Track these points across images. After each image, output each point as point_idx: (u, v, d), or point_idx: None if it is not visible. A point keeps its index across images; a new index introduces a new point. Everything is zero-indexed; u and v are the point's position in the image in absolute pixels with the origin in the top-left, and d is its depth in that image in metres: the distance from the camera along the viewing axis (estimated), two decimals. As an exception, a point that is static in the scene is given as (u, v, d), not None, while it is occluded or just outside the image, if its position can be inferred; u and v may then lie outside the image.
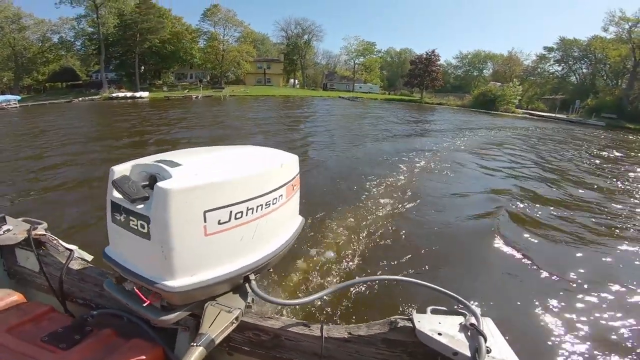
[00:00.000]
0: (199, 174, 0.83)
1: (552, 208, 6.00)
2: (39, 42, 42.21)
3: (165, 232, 0.79)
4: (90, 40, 43.71)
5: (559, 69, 49.84)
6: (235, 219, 0.88)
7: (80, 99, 34.42)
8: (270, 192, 0.97)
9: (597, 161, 11.88)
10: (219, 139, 12.46)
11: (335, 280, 3.35)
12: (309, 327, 1.04)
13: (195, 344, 0.82)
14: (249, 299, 1.04)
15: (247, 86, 48.76)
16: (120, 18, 41.13)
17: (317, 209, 4.97)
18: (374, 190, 6.34)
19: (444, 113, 31.24)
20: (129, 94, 35.82)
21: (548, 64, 51.32)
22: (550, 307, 3.10)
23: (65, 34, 43.87)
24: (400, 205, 5.62)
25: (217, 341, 0.87)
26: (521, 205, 5.97)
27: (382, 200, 5.76)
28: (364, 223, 4.77)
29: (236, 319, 0.95)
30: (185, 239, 0.81)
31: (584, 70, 47.06)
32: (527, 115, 35.04)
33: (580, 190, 7.40)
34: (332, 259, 3.81)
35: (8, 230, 1.38)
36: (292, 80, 62.34)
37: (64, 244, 1.42)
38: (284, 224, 1.11)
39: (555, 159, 11.61)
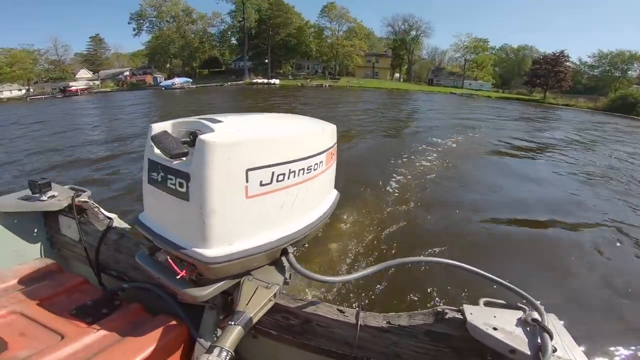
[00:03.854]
0: (242, 130, 0.82)
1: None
2: (197, 34, 54.92)
3: (206, 192, 0.75)
4: (235, 33, 55.60)
5: None
6: (277, 181, 0.85)
7: (229, 83, 45.31)
8: (312, 156, 0.94)
9: None
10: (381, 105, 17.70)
11: (370, 261, 3.22)
12: (344, 313, 0.99)
13: (232, 323, 0.80)
14: (287, 274, 1.01)
15: (358, 78, 54.82)
16: (258, 14, 51.45)
17: (349, 182, 5.15)
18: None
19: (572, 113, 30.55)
20: (265, 81, 45.43)
21: None
22: (626, 309, 2.85)
23: (216, 28, 56.67)
24: (459, 186, 5.70)
25: (255, 320, 0.85)
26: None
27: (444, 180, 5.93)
28: (413, 200, 4.79)
29: (274, 296, 0.92)
30: (226, 201, 0.77)
31: None
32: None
33: None
34: (368, 236, 3.69)
35: (53, 196, 1.43)
36: (396, 75, 66.58)
37: (104, 212, 1.49)
38: (322, 194, 1.09)
39: None
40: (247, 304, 0.86)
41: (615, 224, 4.73)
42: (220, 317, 0.98)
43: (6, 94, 42.69)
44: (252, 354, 1.15)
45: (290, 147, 0.88)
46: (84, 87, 44.01)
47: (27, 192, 1.44)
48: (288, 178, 0.88)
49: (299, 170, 0.90)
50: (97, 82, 48.80)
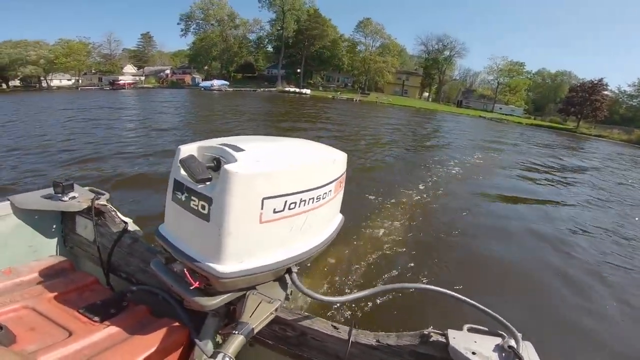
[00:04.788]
0: (261, 161, 0.90)
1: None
2: (238, 39, 57.63)
3: (225, 215, 0.84)
4: (272, 40, 58.23)
5: None
6: (289, 209, 0.94)
7: (262, 89, 47.78)
8: (322, 186, 1.04)
9: None
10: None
11: (369, 283, 3.38)
12: (337, 329, 1.08)
13: (236, 332, 0.88)
14: (289, 291, 1.11)
15: (387, 95, 56.34)
16: (297, 24, 54.01)
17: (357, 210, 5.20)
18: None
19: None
20: (297, 90, 47.55)
21: None
22: (606, 343, 3.02)
23: (256, 34, 59.71)
24: (455, 212, 5.76)
25: (256, 331, 0.93)
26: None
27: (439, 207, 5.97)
28: (410, 227, 4.90)
29: (275, 310, 1.01)
30: (241, 224, 0.87)
31: None
32: None
33: None
34: (368, 260, 3.85)
35: (74, 197, 1.51)
36: (425, 94, 67.00)
37: (120, 216, 1.56)
38: (328, 219, 1.18)
39: None
40: (250, 316, 0.95)
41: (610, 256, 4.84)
42: (222, 324, 1.07)
43: (56, 82, 46.73)
44: None
45: (302, 178, 0.98)
46: (131, 81, 47.71)
47: (49, 190, 1.54)
48: (299, 206, 0.97)
49: (309, 199, 1.00)
50: (142, 78, 52.83)
